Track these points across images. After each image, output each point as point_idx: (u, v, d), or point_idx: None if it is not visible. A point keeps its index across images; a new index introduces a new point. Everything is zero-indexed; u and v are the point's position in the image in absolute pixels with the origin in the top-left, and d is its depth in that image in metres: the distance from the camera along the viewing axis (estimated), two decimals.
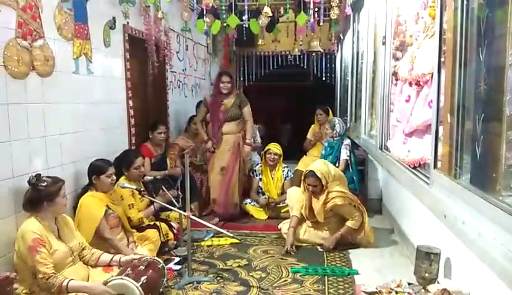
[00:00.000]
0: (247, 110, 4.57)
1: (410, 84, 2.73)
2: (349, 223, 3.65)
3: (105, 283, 2.44)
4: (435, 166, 2.22)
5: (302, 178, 3.83)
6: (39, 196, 2.50)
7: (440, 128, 2.23)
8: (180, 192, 4.22)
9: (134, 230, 3.47)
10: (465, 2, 1.92)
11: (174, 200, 3.60)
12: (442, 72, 2.17)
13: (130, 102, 4.33)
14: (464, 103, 1.95)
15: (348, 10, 4.16)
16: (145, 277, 2.53)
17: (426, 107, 2.53)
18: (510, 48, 1.53)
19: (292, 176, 5.02)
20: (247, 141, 4.59)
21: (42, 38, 3.00)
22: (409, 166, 2.79)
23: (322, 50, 7.42)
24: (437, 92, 2.19)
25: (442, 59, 2.18)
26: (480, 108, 1.77)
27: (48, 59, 3.06)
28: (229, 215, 4.63)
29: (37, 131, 2.97)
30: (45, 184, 2.53)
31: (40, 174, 2.61)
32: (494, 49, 1.68)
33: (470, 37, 1.92)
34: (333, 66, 8.29)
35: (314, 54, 7.69)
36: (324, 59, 8.11)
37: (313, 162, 3.97)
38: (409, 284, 2.72)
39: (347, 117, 6.75)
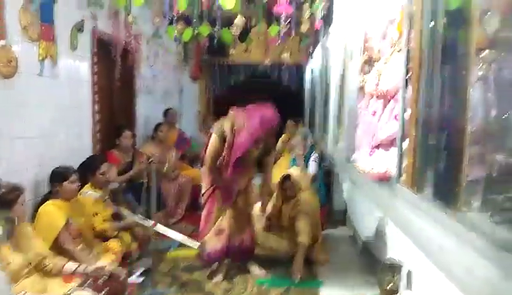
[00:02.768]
0: None
1: (377, 98, 2.80)
2: (299, 238, 3.54)
3: None
4: (398, 180, 2.28)
5: (278, 184, 3.82)
6: None
7: (406, 142, 2.29)
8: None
9: (99, 240, 3.35)
10: (431, 23, 1.99)
11: (140, 220, 3.51)
12: (408, 87, 2.23)
13: (96, 106, 4.23)
14: (429, 119, 2.01)
15: (318, 25, 4.23)
16: (107, 289, 2.45)
17: (391, 121, 2.59)
18: (472, 67, 1.59)
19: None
20: None
21: (5, 39, 2.88)
22: (374, 179, 2.85)
23: (291, 62, 7.51)
24: (402, 107, 2.25)
25: (408, 75, 2.25)
26: (444, 124, 1.83)
27: (10, 60, 2.94)
28: (243, 250, 3.44)
29: None
30: (2, 190, 2.41)
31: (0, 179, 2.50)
32: (458, 67, 1.74)
33: (435, 55, 1.98)
34: (302, 78, 8.41)
35: (284, 66, 7.77)
36: (293, 71, 8.22)
37: (281, 173, 3.98)
38: None
39: (315, 129, 6.84)
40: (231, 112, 3.37)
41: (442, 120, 1.88)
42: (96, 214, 3.45)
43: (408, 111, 2.22)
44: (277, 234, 3.83)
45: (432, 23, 1.98)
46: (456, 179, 1.67)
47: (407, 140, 2.25)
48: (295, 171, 3.97)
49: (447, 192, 1.78)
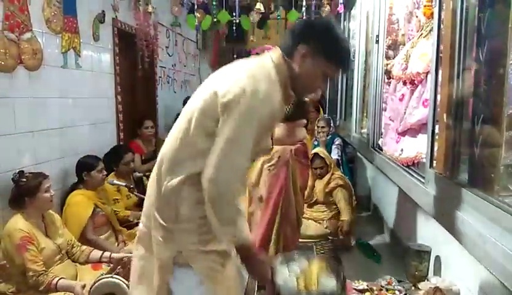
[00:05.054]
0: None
1: (405, 83, 2.74)
2: (343, 217, 3.75)
3: (95, 282, 2.39)
4: (431, 166, 2.23)
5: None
6: (20, 191, 2.45)
7: (436, 127, 2.24)
8: None
9: (124, 229, 3.41)
10: (464, 2, 1.92)
11: None
12: (440, 71, 2.17)
13: (119, 97, 4.26)
14: (462, 103, 1.95)
15: (340, 8, 4.16)
16: None
17: (420, 106, 2.54)
18: (511, 48, 1.54)
19: None
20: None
21: (30, 31, 2.91)
22: (403, 164, 2.81)
23: None
24: (434, 91, 2.19)
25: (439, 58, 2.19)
26: (480, 108, 1.78)
27: (36, 53, 2.98)
28: None
29: (25, 126, 2.90)
30: (25, 179, 2.47)
31: (23, 171, 2.56)
32: (494, 49, 1.68)
33: (469, 36, 1.92)
34: None
35: None
36: None
37: None
38: (399, 281, 2.73)
39: (336, 115, 6.77)
40: None
41: (478, 104, 1.82)
42: (118, 201, 3.50)
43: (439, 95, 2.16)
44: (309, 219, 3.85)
45: (466, 2, 1.91)
46: (493, 164, 1.63)
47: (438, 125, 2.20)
48: (318, 149, 4.13)
49: (483, 177, 1.73)
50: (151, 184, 1.60)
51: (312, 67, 1.45)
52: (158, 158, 1.56)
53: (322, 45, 1.44)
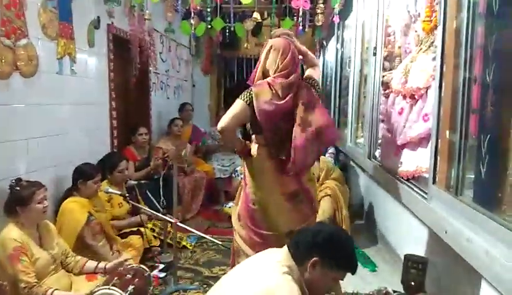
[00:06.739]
0: None
1: (404, 97, 2.76)
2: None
3: (91, 293, 2.36)
4: (434, 182, 2.24)
5: None
6: (12, 200, 2.40)
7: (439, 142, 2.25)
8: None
9: (118, 238, 3.37)
10: (471, 21, 1.93)
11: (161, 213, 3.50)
12: (443, 86, 2.18)
13: (113, 103, 4.22)
14: (467, 120, 1.97)
15: (336, 19, 4.19)
16: (132, 287, 2.45)
17: (420, 120, 2.55)
18: None
19: None
20: None
21: (26, 37, 2.88)
22: (402, 178, 2.82)
23: None
24: (438, 107, 2.20)
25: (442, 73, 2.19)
26: (487, 126, 1.79)
27: (31, 59, 2.94)
28: None
29: (19, 133, 2.86)
30: (19, 187, 2.42)
31: (20, 178, 2.51)
32: (503, 69, 1.69)
33: (475, 53, 1.92)
34: None
35: None
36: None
37: None
38: (394, 291, 2.73)
39: None
40: None
41: (483, 121, 1.84)
42: (105, 211, 3.44)
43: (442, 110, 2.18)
44: None
45: (468, 16, 1.92)
46: (500, 183, 1.64)
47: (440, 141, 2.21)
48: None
49: (489, 195, 1.75)
50: None
51: (322, 275, 1.64)
52: None
53: (332, 258, 1.64)
